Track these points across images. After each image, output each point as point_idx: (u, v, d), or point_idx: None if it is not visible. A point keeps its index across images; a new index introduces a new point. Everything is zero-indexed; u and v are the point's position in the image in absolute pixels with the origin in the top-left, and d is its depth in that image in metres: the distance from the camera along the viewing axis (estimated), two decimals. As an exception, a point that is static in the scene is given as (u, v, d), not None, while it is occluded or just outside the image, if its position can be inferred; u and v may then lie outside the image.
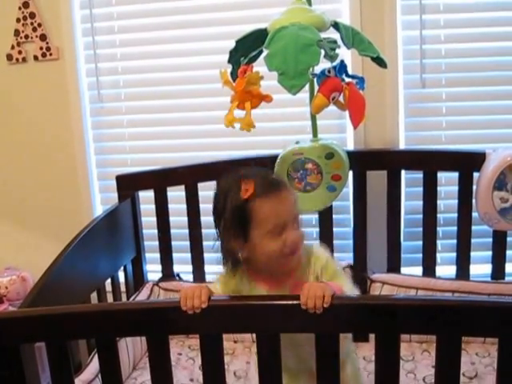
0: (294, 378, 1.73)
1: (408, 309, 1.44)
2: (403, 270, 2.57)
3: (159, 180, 2.66)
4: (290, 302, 1.45)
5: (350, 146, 2.67)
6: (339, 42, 2.12)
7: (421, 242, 2.54)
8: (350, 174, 2.46)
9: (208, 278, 2.64)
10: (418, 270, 2.56)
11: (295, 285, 1.63)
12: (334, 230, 2.58)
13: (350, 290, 1.65)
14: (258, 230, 1.59)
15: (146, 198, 2.68)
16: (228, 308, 1.51)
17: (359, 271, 2.53)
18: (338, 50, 2.04)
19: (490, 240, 2.47)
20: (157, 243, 2.70)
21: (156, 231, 2.69)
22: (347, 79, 2.11)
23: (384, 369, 1.48)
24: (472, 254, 2.50)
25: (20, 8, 2.78)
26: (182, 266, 2.73)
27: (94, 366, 2.02)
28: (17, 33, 2.81)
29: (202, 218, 2.63)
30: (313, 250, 1.72)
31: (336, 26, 2.15)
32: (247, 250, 1.63)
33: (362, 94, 2.09)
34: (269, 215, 1.58)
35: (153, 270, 2.77)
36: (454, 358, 1.43)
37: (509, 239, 2.46)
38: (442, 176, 2.56)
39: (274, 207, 1.59)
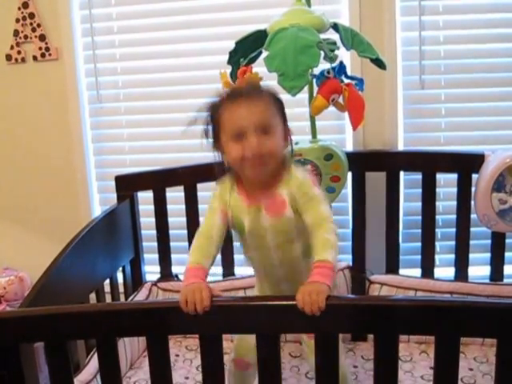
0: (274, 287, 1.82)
1: (407, 309, 1.45)
2: (402, 271, 2.57)
3: (158, 180, 2.65)
4: (290, 303, 1.45)
5: (349, 147, 2.67)
6: (338, 43, 2.13)
7: (419, 244, 2.54)
8: (349, 175, 2.46)
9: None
10: (416, 272, 2.56)
11: (271, 203, 1.70)
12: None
13: (328, 217, 1.66)
14: (223, 135, 1.68)
15: (145, 199, 2.67)
16: (228, 308, 1.51)
17: (358, 272, 2.54)
18: (337, 52, 2.05)
19: (489, 242, 2.47)
20: (155, 244, 2.70)
21: (155, 232, 2.69)
22: (346, 80, 2.11)
23: (382, 369, 1.48)
24: (471, 255, 2.50)
25: (19, 8, 2.78)
26: (181, 267, 2.72)
27: (92, 366, 2.02)
28: (16, 33, 2.81)
29: (201, 219, 2.62)
30: (292, 169, 1.73)
31: (335, 27, 2.16)
32: (224, 156, 1.71)
33: (362, 96, 2.10)
34: (228, 121, 1.66)
35: (151, 270, 2.76)
36: (452, 359, 1.43)
37: (507, 241, 2.46)
38: (440, 177, 2.57)
39: (233, 113, 1.65)
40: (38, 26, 2.79)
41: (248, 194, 1.73)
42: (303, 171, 1.77)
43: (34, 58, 2.84)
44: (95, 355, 1.74)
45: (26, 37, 2.81)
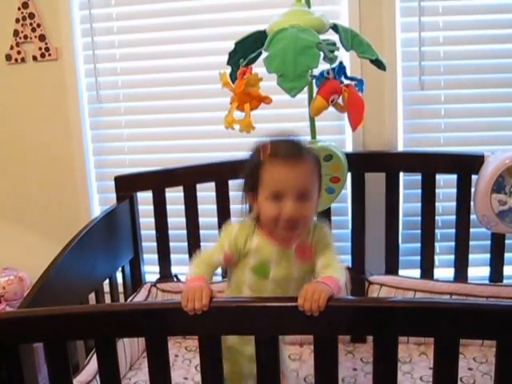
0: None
1: (406, 311, 1.45)
2: (401, 272, 2.56)
3: (158, 181, 2.65)
4: (289, 304, 1.46)
5: (349, 148, 2.67)
6: (338, 44, 2.12)
7: (419, 244, 2.54)
8: (349, 175, 2.46)
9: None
10: (416, 273, 2.56)
11: (299, 247, 1.73)
12: (333, 231, 2.56)
13: (339, 266, 1.70)
14: (262, 191, 1.66)
15: (145, 199, 2.67)
16: (227, 310, 1.51)
17: (357, 273, 2.54)
18: (336, 52, 2.05)
19: (489, 242, 2.47)
20: (155, 244, 2.70)
21: (154, 232, 2.69)
22: (346, 81, 2.11)
23: (382, 371, 1.48)
24: (470, 256, 2.50)
25: (19, 8, 2.78)
26: (180, 267, 2.73)
27: (92, 367, 2.02)
28: (16, 33, 2.81)
29: (200, 219, 2.63)
30: (317, 222, 1.81)
31: (335, 28, 2.15)
32: (257, 207, 1.71)
33: (361, 97, 2.10)
34: (271, 179, 1.64)
35: (151, 271, 2.76)
36: (451, 361, 1.44)
37: (507, 242, 2.45)
38: (440, 178, 2.57)
39: (278, 173, 1.64)
40: (38, 26, 2.79)
41: (277, 238, 1.72)
42: (321, 221, 1.84)
43: (34, 58, 2.83)
44: (95, 356, 1.74)
45: (25, 37, 2.81)
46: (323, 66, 2.05)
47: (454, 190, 2.47)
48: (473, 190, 2.37)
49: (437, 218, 2.54)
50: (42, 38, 2.80)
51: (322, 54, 1.98)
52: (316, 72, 2.08)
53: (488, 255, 2.49)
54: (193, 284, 1.57)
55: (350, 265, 2.56)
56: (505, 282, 2.48)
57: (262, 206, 1.67)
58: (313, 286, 1.48)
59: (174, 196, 2.65)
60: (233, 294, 1.80)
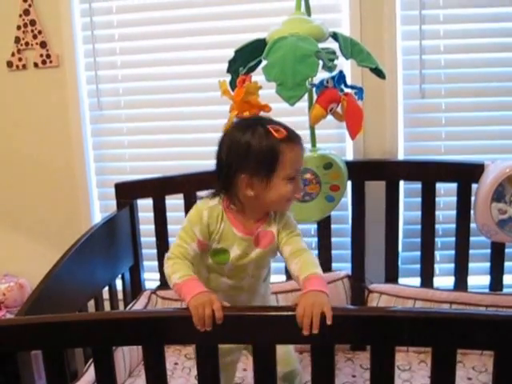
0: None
1: (404, 321, 1.44)
2: (401, 280, 2.56)
3: (158, 188, 2.65)
4: (286, 314, 1.45)
5: (349, 156, 2.67)
6: (338, 52, 2.12)
7: (419, 253, 2.54)
8: (349, 184, 2.46)
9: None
10: (416, 281, 2.56)
11: (261, 234, 1.75)
12: (333, 240, 2.59)
13: (310, 252, 1.71)
14: (281, 172, 1.66)
15: (145, 206, 2.67)
16: (225, 319, 1.50)
17: (357, 281, 2.54)
18: (336, 61, 2.04)
19: (489, 251, 2.47)
20: (155, 251, 2.69)
21: (154, 239, 2.69)
22: (346, 90, 2.11)
23: (379, 380, 1.48)
24: (470, 265, 2.50)
25: (21, 15, 2.79)
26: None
27: (90, 374, 2.01)
28: (17, 40, 2.82)
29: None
30: None
31: (335, 36, 2.15)
32: (261, 188, 1.66)
33: (360, 106, 2.10)
34: (291, 160, 1.67)
35: (150, 278, 2.76)
36: (449, 371, 1.43)
37: (507, 250, 2.45)
38: (440, 187, 2.57)
39: (298, 154, 1.69)
40: (39, 32, 2.79)
41: (244, 226, 1.74)
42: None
43: (35, 64, 2.84)
44: (93, 364, 1.73)
45: (27, 44, 2.82)
46: (325, 75, 2.05)
47: (454, 199, 2.47)
48: (473, 198, 2.37)
49: (437, 226, 2.53)
50: (43, 44, 2.81)
51: (321, 63, 1.98)
52: (316, 80, 2.08)
53: (488, 264, 2.49)
54: (198, 292, 1.54)
55: (349, 273, 2.56)
56: (505, 290, 2.47)
57: (279, 187, 1.66)
58: (311, 301, 1.44)
59: (174, 203, 2.65)
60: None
